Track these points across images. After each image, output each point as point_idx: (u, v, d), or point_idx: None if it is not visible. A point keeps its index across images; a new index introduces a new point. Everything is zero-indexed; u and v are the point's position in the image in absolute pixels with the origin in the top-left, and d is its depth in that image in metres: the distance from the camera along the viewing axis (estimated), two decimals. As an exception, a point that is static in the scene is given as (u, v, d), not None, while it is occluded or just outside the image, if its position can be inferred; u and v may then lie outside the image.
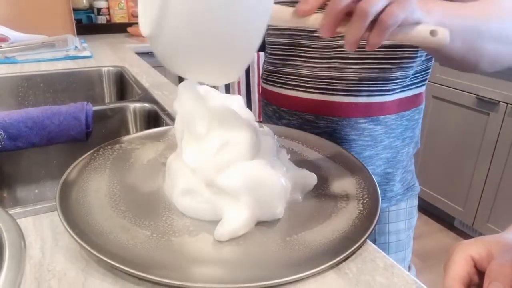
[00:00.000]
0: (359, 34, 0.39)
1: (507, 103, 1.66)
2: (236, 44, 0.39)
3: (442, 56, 0.56)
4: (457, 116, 1.88)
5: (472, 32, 0.51)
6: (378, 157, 0.71)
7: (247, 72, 2.08)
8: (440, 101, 1.94)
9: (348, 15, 0.39)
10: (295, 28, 0.68)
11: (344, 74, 0.65)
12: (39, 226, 0.45)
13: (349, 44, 0.40)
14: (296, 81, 0.70)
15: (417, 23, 0.40)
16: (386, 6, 0.38)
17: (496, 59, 0.56)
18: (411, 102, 0.70)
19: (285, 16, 0.41)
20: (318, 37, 0.66)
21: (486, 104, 1.74)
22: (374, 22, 0.39)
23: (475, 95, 1.77)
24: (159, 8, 0.37)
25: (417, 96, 0.71)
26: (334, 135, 0.69)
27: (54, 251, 0.41)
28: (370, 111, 0.67)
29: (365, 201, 0.48)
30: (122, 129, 0.89)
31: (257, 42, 0.39)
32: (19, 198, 0.83)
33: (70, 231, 0.40)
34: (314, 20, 0.40)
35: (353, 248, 0.40)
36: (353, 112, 0.67)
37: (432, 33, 0.39)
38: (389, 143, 0.70)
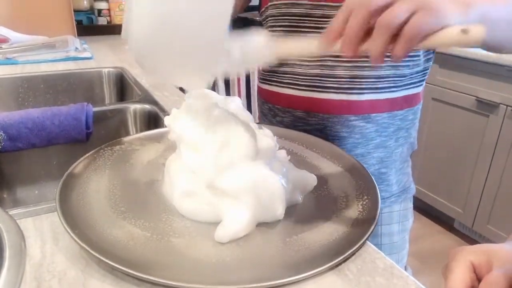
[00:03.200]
0: (382, 49, 0.37)
1: (507, 105, 1.66)
2: (199, 44, 0.40)
3: (488, 46, 0.52)
4: (457, 118, 1.88)
5: None
6: (370, 156, 0.71)
7: (247, 74, 2.08)
8: (439, 103, 1.94)
9: (370, 30, 0.38)
10: (290, 29, 0.68)
11: (336, 72, 0.66)
12: (39, 227, 0.46)
13: (374, 60, 0.39)
14: (290, 79, 0.71)
15: (447, 25, 0.37)
16: (411, 15, 0.36)
17: None
18: (405, 102, 0.70)
19: (311, 48, 0.43)
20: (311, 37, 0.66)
21: (485, 106, 1.74)
22: (398, 32, 0.37)
23: (475, 97, 1.77)
24: (127, 14, 0.38)
25: (413, 96, 0.71)
26: (325, 132, 0.69)
27: (54, 252, 0.41)
28: (361, 109, 0.67)
29: (364, 203, 0.48)
30: (122, 130, 0.89)
31: (220, 42, 0.39)
32: (19, 198, 0.83)
33: (70, 232, 0.40)
34: (338, 45, 0.40)
35: (353, 249, 0.40)
36: (344, 110, 0.67)
37: (464, 31, 0.36)
38: (381, 142, 0.70)
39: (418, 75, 0.70)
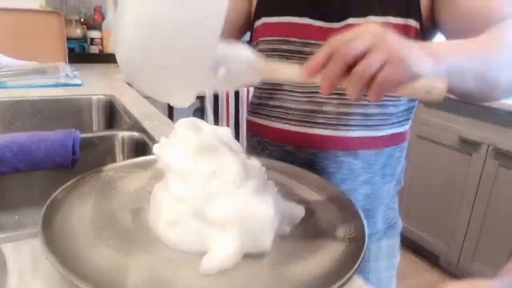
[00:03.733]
0: (357, 93, 0.40)
1: (488, 145, 1.71)
2: (187, 59, 0.41)
3: (456, 95, 0.56)
4: (441, 156, 1.92)
5: (484, 68, 0.51)
6: (357, 192, 0.71)
7: (236, 105, 2.11)
8: (424, 141, 1.98)
9: (349, 68, 0.41)
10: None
11: (324, 108, 0.67)
12: (18, 253, 0.44)
13: (350, 98, 0.42)
14: (279, 113, 0.72)
15: (417, 77, 0.41)
16: (384, 64, 0.39)
17: (511, 87, 0.56)
18: (392, 140, 0.71)
19: (293, 76, 0.45)
20: None
21: (468, 145, 1.79)
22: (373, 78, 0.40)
23: (458, 136, 1.82)
24: (116, 23, 0.40)
25: (400, 134, 0.72)
26: (313, 167, 0.70)
27: (32, 278, 0.40)
28: (349, 145, 0.68)
29: (351, 236, 0.48)
30: (109, 157, 0.88)
31: (208, 58, 0.40)
32: (-3, 224, 0.81)
33: (51, 259, 0.39)
34: (317, 79, 0.43)
35: (339, 283, 0.39)
36: (332, 145, 0.68)
37: (428, 92, 0.41)
38: (368, 178, 0.71)
39: (404, 114, 0.72)
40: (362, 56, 0.39)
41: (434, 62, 0.43)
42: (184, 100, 0.47)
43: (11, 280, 0.39)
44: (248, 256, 0.44)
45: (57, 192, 0.53)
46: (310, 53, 0.67)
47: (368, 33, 0.40)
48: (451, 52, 0.48)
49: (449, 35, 0.64)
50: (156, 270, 0.41)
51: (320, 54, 0.42)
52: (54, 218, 0.47)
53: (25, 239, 0.47)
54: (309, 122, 0.68)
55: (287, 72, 0.46)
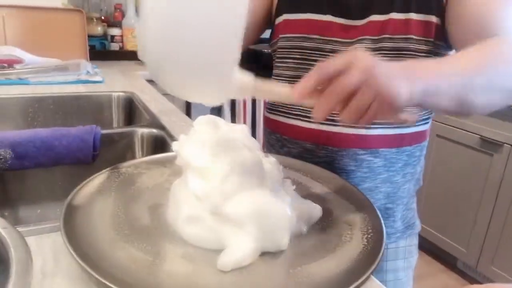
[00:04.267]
0: (351, 121, 0.43)
1: (511, 145, 1.67)
2: (213, 56, 0.40)
3: (433, 110, 0.57)
4: (461, 156, 1.88)
5: (461, 89, 0.50)
6: (377, 190, 0.71)
7: (253, 102, 2.11)
8: (444, 140, 1.94)
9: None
10: (301, 62, 0.70)
11: None
12: (41, 246, 0.45)
13: (315, 118, 0.44)
14: (299, 111, 0.72)
15: (401, 109, 0.44)
16: (373, 101, 0.42)
17: (488, 107, 0.56)
18: (413, 139, 0.71)
19: (283, 97, 0.47)
20: None
21: (489, 145, 1.75)
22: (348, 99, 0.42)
23: (479, 136, 1.78)
24: (139, 31, 0.40)
25: (420, 133, 0.71)
26: (333, 165, 0.69)
27: (54, 273, 0.41)
28: (369, 143, 0.68)
29: (369, 236, 0.48)
30: (128, 153, 0.90)
31: (234, 55, 0.40)
32: (21, 217, 0.83)
33: (73, 253, 0.40)
34: (307, 102, 0.44)
35: (357, 283, 0.39)
36: (352, 143, 0.68)
37: (401, 122, 0.47)
38: (389, 177, 0.70)
39: (425, 113, 0.71)
40: (353, 92, 0.42)
41: (409, 83, 0.44)
42: (213, 99, 0.48)
43: (34, 273, 0.40)
44: (265, 254, 0.44)
45: (78, 187, 0.54)
46: (331, 51, 0.67)
47: (358, 68, 0.41)
48: (427, 75, 0.48)
49: (451, 37, 0.64)
50: (174, 266, 0.41)
51: (309, 79, 0.43)
52: (75, 213, 0.48)
53: (48, 232, 0.48)
54: (329, 120, 0.68)
55: (278, 92, 0.47)
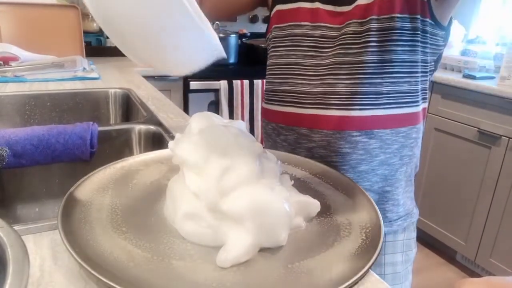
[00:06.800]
0: None
1: (509, 138, 1.67)
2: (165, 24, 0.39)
3: None
4: (459, 149, 1.89)
5: None
6: (374, 173, 0.71)
7: (251, 96, 2.11)
8: (442, 133, 1.95)
9: None
10: (292, 49, 0.72)
11: (337, 89, 0.68)
12: (39, 245, 0.45)
13: None
14: (292, 98, 0.73)
15: None
16: None
17: None
18: (407, 120, 0.71)
19: None
20: (312, 56, 0.70)
21: (487, 138, 1.75)
22: None
23: (477, 129, 1.78)
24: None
25: (415, 114, 0.72)
26: (328, 148, 0.70)
27: (53, 270, 0.41)
28: (363, 125, 0.68)
29: (367, 230, 0.48)
30: (126, 150, 0.89)
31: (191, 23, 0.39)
32: (19, 215, 0.83)
33: (71, 251, 0.39)
34: None
35: (355, 278, 0.39)
36: (346, 125, 0.69)
37: None
38: (385, 159, 0.71)
39: (418, 93, 0.71)
40: None
41: None
42: (181, 69, 0.46)
43: (32, 271, 0.40)
44: (264, 250, 0.44)
45: (76, 184, 0.54)
46: (319, 36, 0.70)
47: None
48: None
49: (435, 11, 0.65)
50: (172, 262, 0.41)
51: None
52: (73, 210, 0.48)
53: (46, 231, 0.48)
54: (322, 103, 0.69)
55: None
